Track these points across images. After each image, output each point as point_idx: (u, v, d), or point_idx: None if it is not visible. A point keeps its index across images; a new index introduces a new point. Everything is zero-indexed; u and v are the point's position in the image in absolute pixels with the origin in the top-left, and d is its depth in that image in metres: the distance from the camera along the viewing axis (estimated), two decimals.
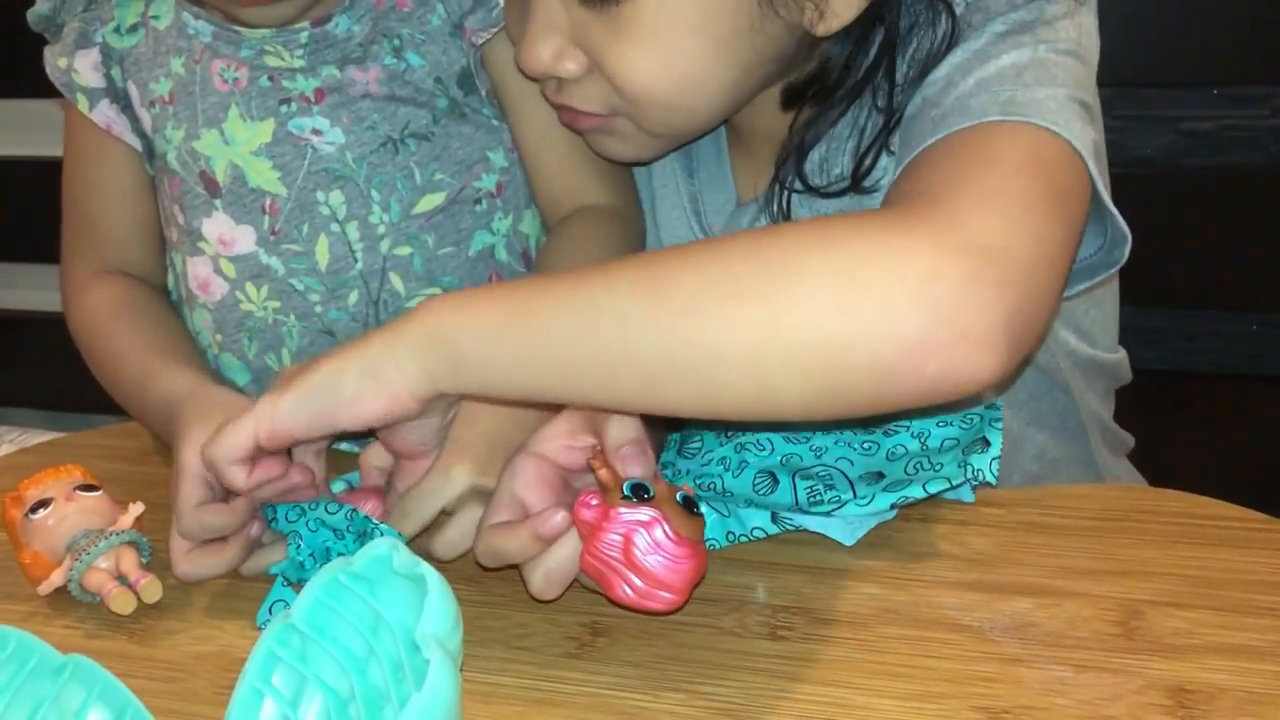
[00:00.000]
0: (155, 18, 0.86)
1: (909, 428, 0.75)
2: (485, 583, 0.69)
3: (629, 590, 0.60)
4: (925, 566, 0.69)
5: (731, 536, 0.70)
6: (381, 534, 0.64)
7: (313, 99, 0.83)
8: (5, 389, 1.90)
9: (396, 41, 0.84)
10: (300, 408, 0.63)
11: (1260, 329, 1.39)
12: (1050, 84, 0.66)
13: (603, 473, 0.61)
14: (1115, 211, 0.69)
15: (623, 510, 0.60)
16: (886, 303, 0.56)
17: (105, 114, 0.87)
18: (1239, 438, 1.43)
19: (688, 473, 0.75)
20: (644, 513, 0.60)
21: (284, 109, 0.83)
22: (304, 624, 0.54)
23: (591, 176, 0.90)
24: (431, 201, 0.85)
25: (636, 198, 0.92)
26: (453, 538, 0.67)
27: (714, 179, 0.86)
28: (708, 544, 0.70)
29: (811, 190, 0.78)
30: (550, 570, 0.62)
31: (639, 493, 0.61)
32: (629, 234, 0.89)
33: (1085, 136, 0.65)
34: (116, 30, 0.86)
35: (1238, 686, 0.58)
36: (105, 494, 0.70)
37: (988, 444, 0.70)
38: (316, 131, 0.83)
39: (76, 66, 0.86)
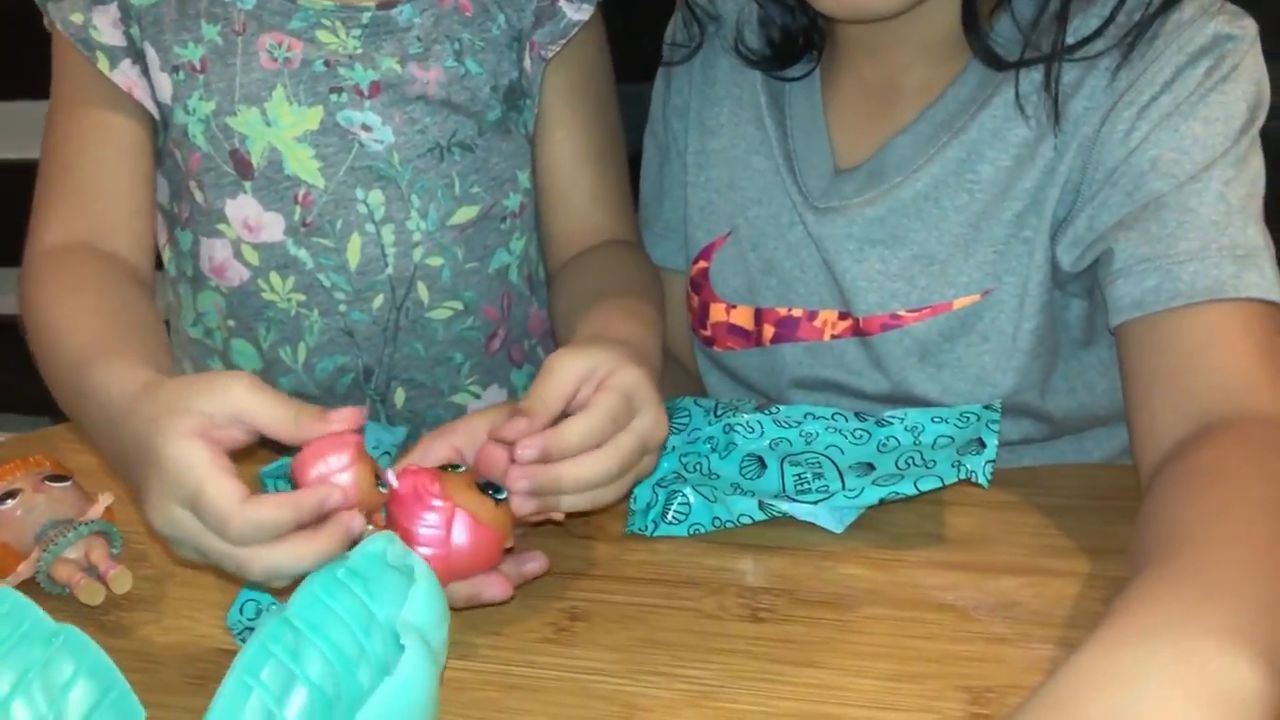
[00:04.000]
0: None
1: (903, 420, 0.73)
2: None
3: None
4: (909, 547, 0.67)
5: (718, 522, 0.69)
6: None
7: (366, 92, 0.79)
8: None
9: (458, 45, 0.81)
10: None
11: None
12: (1255, 202, 0.67)
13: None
14: None
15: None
16: None
17: (127, 75, 0.79)
18: None
19: (672, 448, 0.73)
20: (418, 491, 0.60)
21: (334, 98, 0.79)
22: (299, 620, 0.53)
23: (617, 212, 0.88)
24: (467, 214, 0.83)
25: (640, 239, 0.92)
26: None
27: (810, 140, 0.82)
28: (694, 529, 0.69)
29: (1069, 51, 0.70)
30: (269, 564, 0.55)
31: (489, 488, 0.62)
32: (655, 273, 0.87)
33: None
34: None
35: None
36: (75, 485, 0.69)
37: (983, 445, 0.68)
38: (366, 127, 0.80)
39: (95, 23, 0.79)
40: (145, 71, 0.80)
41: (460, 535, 0.60)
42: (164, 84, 0.80)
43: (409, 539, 0.59)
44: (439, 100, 0.81)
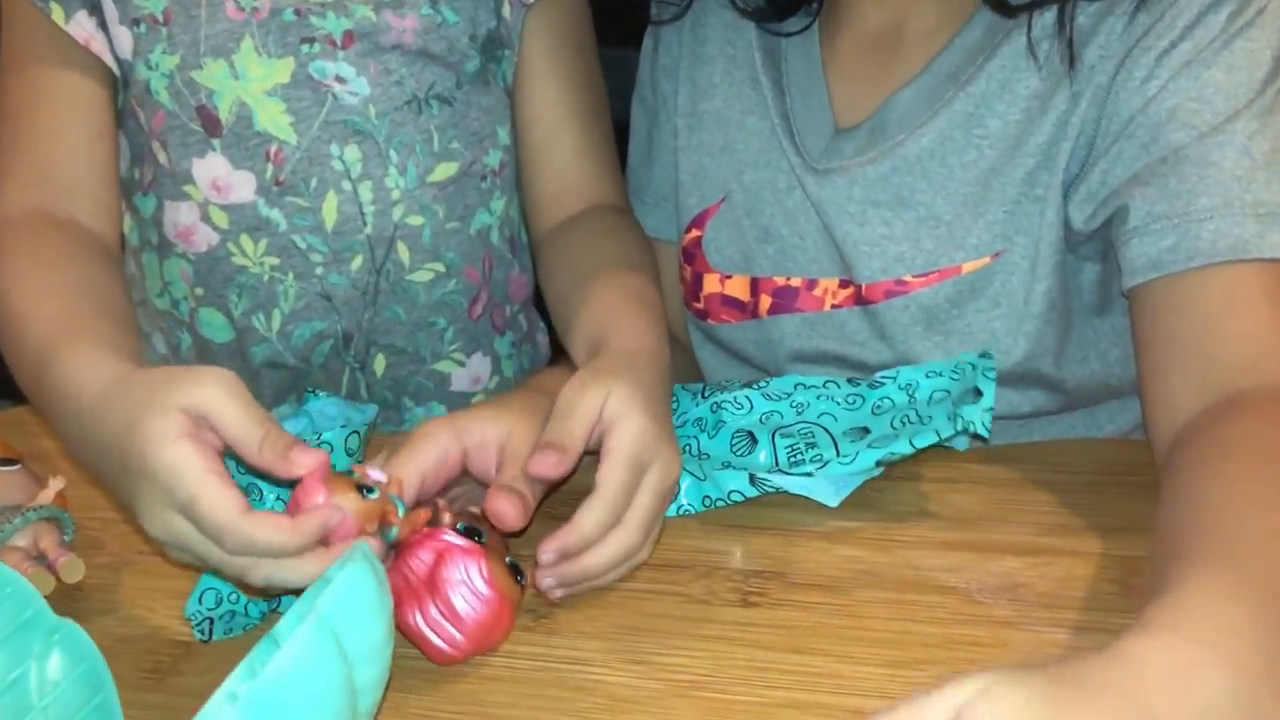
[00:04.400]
0: None
1: (896, 378, 0.70)
2: None
3: (419, 615, 0.55)
4: (908, 526, 0.64)
5: (708, 501, 0.66)
6: None
7: (339, 42, 0.75)
8: None
9: None
10: None
11: None
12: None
13: (444, 509, 0.59)
14: None
15: (447, 534, 0.57)
16: None
17: (84, 27, 0.75)
18: None
19: None
20: (467, 544, 0.56)
21: (305, 49, 0.75)
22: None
23: (602, 172, 0.84)
24: (446, 171, 0.79)
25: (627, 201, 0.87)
26: None
27: (808, 98, 0.78)
28: (682, 510, 0.66)
29: None
30: (271, 576, 0.54)
31: (470, 534, 0.57)
32: (647, 242, 0.83)
33: None
34: None
35: None
36: (24, 468, 0.65)
37: (979, 394, 0.65)
38: (340, 79, 0.76)
39: None
40: (103, 25, 0.76)
41: (488, 617, 0.56)
42: (124, 38, 0.76)
43: (435, 623, 0.55)
44: (415, 50, 0.77)
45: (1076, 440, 0.75)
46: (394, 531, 0.56)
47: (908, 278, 0.73)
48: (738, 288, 0.80)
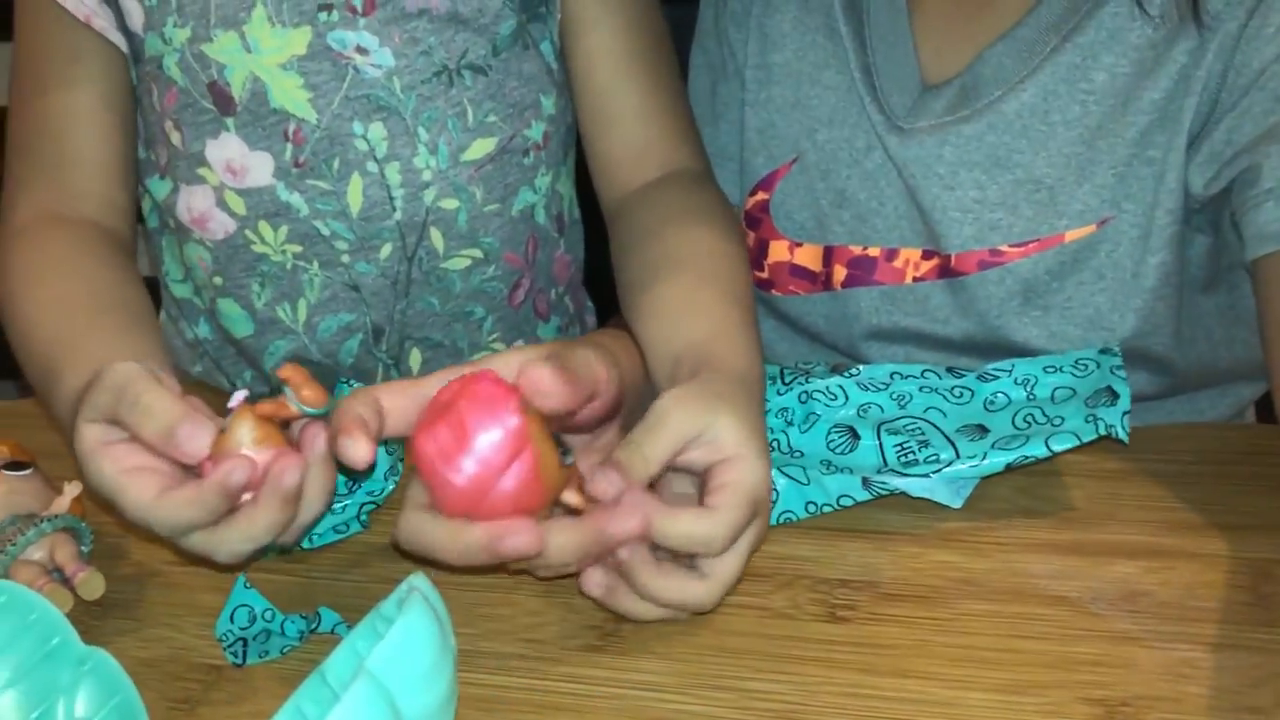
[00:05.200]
0: None
1: (1011, 372, 0.63)
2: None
3: (432, 443, 0.48)
4: (1007, 526, 0.58)
5: (813, 507, 0.59)
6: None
7: (360, 8, 0.69)
8: None
9: None
10: None
11: None
12: None
13: None
14: None
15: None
16: None
17: (85, 4, 0.70)
18: None
19: None
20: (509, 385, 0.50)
21: (323, 17, 0.68)
22: (335, 679, 0.44)
23: (676, 129, 0.74)
24: (483, 148, 0.72)
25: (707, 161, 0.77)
26: None
27: (893, 50, 0.71)
28: (785, 518, 0.59)
29: None
30: (220, 549, 0.52)
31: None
32: (730, 212, 0.73)
33: None
34: None
35: None
36: (37, 472, 0.60)
37: (1115, 396, 0.58)
38: (361, 49, 0.69)
39: None
40: (113, 2, 0.70)
41: (514, 476, 0.48)
42: (135, 10, 0.70)
43: (450, 447, 0.48)
44: (444, 14, 0.70)
45: (1180, 425, 0.69)
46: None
47: (1003, 247, 0.66)
48: (809, 257, 0.74)
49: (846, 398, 0.64)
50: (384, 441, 0.53)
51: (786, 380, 0.65)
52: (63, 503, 0.59)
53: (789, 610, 0.54)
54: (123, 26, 0.71)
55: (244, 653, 0.53)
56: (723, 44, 0.79)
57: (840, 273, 0.73)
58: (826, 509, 0.59)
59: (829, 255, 0.73)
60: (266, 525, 0.51)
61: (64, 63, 0.71)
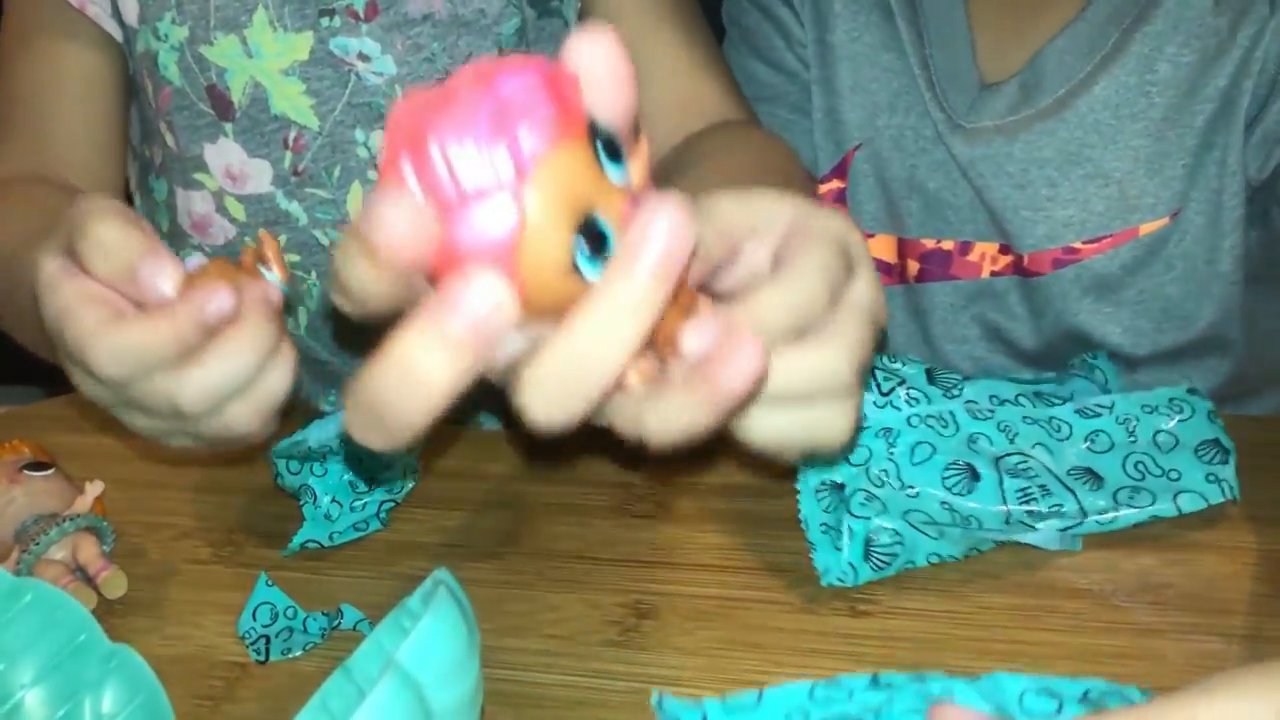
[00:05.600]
0: None
1: (1111, 409, 0.58)
2: (508, 557, 0.59)
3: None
4: None
5: (935, 558, 0.55)
6: None
7: (362, 14, 0.68)
8: None
9: None
10: None
11: None
12: None
13: None
14: None
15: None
16: None
17: None
18: None
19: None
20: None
21: (325, 22, 0.68)
22: (360, 675, 0.44)
23: (721, 85, 0.70)
24: None
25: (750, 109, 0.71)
26: None
27: (951, 46, 0.69)
28: (904, 567, 0.54)
29: None
30: (179, 397, 0.42)
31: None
32: (798, 163, 0.66)
33: None
34: None
35: None
36: (58, 472, 0.60)
37: (1226, 452, 0.56)
38: (364, 56, 0.69)
39: None
40: None
41: (495, 217, 0.30)
42: (130, 4, 0.70)
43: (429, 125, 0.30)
44: (448, 19, 0.69)
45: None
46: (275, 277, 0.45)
47: (1077, 245, 0.65)
48: (883, 248, 0.72)
49: (956, 426, 0.57)
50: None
51: (884, 388, 0.57)
52: (85, 502, 0.59)
53: (809, 605, 0.54)
54: (117, 16, 0.71)
55: (267, 650, 0.53)
56: (771, 17, 0.74)
57: (914, 266, 0.71)
58: (950, 559, 0.55)
59: (903, 247, 0.71)
60: (253, 343, 0.43)
61: (51, 42, 0.70)
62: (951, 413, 0.57)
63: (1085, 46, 0.65)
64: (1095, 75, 0.64)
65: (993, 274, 0.69)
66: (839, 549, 0.54)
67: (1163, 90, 0.63)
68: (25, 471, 0.59)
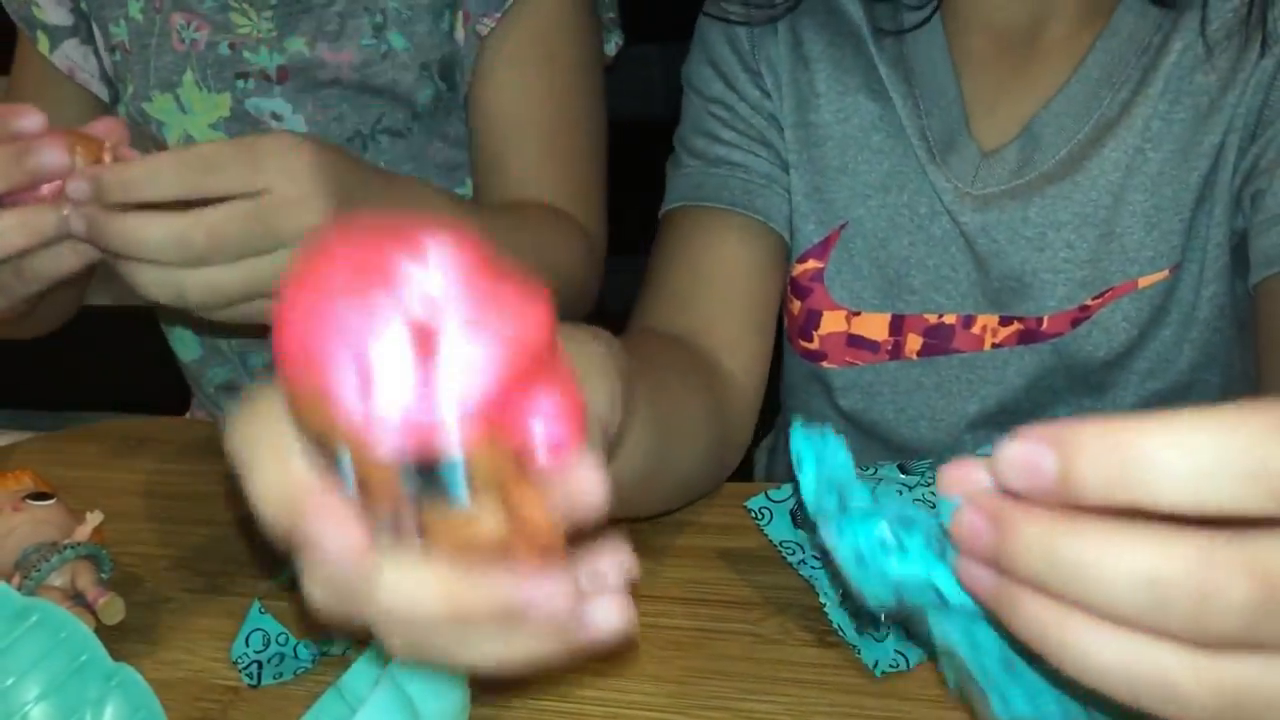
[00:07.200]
0: None
1: None
2: None
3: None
4: None
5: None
6: None
7: (274, 77, 0.74)
8: None
9: (379, 18, 0.74)
10: None
11: None
12: None
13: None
14: None
15: None
16: None
17: (69, 57, 0.76)
18: None
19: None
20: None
21: (241, 84, 0.74)
22: (351, 694, 0.47)
23: (573, 193, 0.75)
24: None
25: (603, 235, 0.77)
26: None
27: (946, 117, 0.68)
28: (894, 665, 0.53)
29: None
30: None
31: None
32: (594, 258, 0.74)
33: None
34: None
35: None
36: (59, 503, 0.62)
37: None
38: (276, 116, 0.74)
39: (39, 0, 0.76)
40: (96, 52, 0.77)
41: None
42: (109, 65, 0.77)
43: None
44: (355, 84, 0.74)
45: None
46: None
47: (1088, 301, 0.66)
48: (872, 326, 0.71)
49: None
50: None
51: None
52: (84, 531, 0.61)
53: (779, 636, 0.56)
54: (106, 76, 0.77)
55: (259, 674, 0.55)
56: (745, 99, 0.73)
57: (915, 341, 0.71)
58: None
59: (900, 324, 0.71)
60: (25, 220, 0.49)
61: (54, 97, 0.77)
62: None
63: (1081, 108, 0.66)
64: (1102, 138, 0.65)
65: (994, 345, 0.69)
66: (876, 639, 0.53)
67: (1157, 146, 0.64)
68: (28, 501, 0.61)
